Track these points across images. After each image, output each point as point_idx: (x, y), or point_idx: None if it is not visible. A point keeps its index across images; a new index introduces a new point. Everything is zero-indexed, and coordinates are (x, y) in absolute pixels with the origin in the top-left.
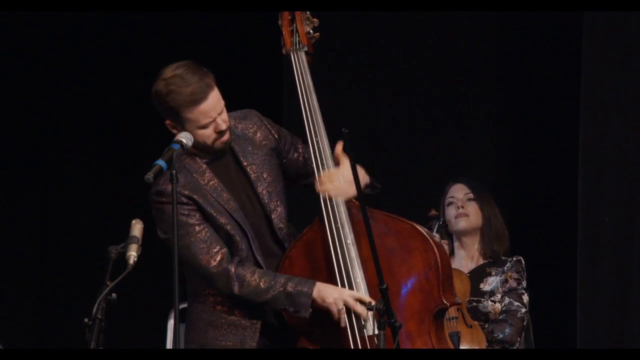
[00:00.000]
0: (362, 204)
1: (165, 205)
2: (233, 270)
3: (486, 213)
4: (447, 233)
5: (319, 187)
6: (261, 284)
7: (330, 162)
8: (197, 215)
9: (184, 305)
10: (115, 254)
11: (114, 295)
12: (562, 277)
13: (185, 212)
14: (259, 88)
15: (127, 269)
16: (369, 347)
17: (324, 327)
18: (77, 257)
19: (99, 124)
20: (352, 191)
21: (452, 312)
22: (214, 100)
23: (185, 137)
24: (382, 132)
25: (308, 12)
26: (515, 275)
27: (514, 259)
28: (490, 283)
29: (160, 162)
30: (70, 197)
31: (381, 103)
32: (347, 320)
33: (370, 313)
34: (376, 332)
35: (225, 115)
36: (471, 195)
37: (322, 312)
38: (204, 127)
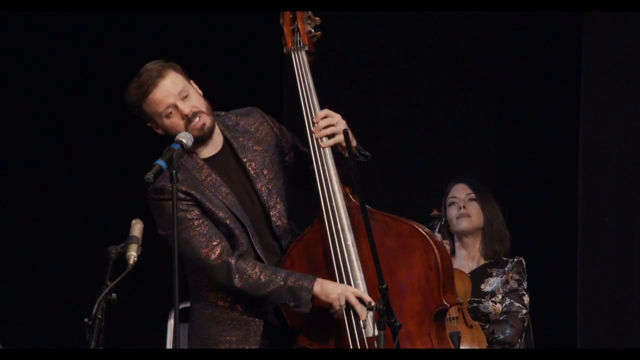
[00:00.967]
0: (362, 204)
1: (164, 202)
2: (234, 262)
3: (488, 213)
4: (448, 233)
5: (315, 134)
6: (262, 277)
7: (330, 161)
8: (196, 210)
9: (185, 304)
10: (115, 254)
11: (114, 295)
12: (562, 277)
13: (184, 208)
14: (259, 88)
15: (127, 269)
16: (368, 348)
17: (324, 327)
18: (77, 257)
19: (99, 124)
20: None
21: (452, 312)
22: (167, 87)
23: (185, 137)
24: (382, 132)
25: (309, 11)
26: (516, 276)
27: (515, 259)
28: (491, 284)
29: (160, 162)
30: (70, 197)
31: (381, 103)
32: (347, 320)
33: (370, 314)
34: (376, 332)
35: (192, 100)
36: (473, 196)
37: (322, 312)
38: (167, 116)
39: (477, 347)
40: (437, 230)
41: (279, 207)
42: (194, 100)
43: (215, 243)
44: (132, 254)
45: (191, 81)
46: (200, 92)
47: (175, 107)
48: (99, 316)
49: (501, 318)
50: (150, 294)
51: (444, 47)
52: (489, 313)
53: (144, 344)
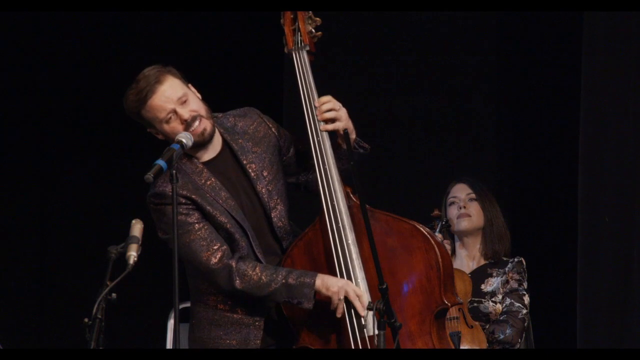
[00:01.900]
0: (362, 204)
1: (164, 207)
2: (234, 265)
3: (488, 213)
4: (449, 233)
5: (319, 116)
6: (263, 277)
7: (331, 160)
8: (196, 214)
9: (185, 305)
10: (115, 254)
11: (114, 295)
12: (562, 277)
13: (184, 212)
14: (259, 88)
15: (127, 269)
16: (369, 347)
17: (324, 327)
18: (77, 257)
19: (99, 124)
20: (349, 123)
21: (453, 312)
22: (166, 93)
23: (185, 137)
24: (382, 132)
25: (310, 11)
26: (516, 276)
27: (515, 259)
28: (491, 284)
29: (160, 162)
30: (70, 197)
31: (381, 103)
32: (348, 319)
33: (369, 313)
34: (376, 332)
35: (192, 105)
36: (473, 196)
37: (323, 311)
38: (167, 121)
39: (477, 348)
40: (438, 230)
41: (279, 208)
42: (193, 104)
43: (215, 247)
44: (132, 254)
45: (189, 85)
46: (199, 95)
47: (175, 112)
48: (99, 316)
49: (501, 318)
50: (150, 294)
51: (444, 47)
52: (489, 313)
53: (144, 344)
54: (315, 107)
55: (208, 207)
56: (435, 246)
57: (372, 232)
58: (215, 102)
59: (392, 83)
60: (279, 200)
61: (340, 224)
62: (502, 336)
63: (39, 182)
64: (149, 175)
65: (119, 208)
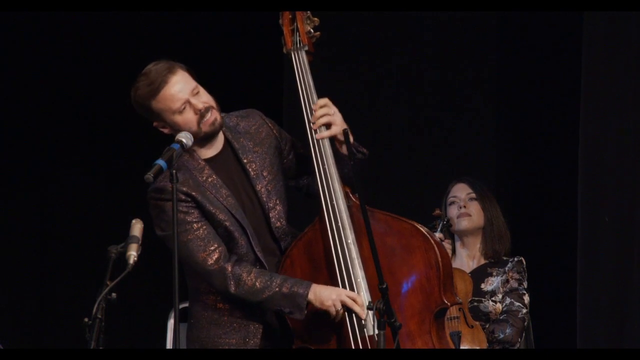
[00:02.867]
0: (362, 203)
1: (164, 203)
2: (230, 269)
3: (488, 213)
4: (449, 232)
5: (313, 125)
6: (257, 283)
7: (330, 160)
8: (195, 213)
9: (184, 305)
10: (115, 254)
11: (114, 295)
12: (562, 277)
13: (184, 210)
14: (259, 88)
15: (127, 268)
16: (369, 347)
17: (324, 327)
18: (77, 257)
19: (99, 124)
20: (345, 126)
21: (453, 311)
22: (179, 83)
23: (185, 137)
24: (382, 132)
25: (309, 12)
26: (516, 276)
27: (515, 259)
28: (491, 283)
29: (160, 162)
30: (70, 197)
31: (381, 103)
32: (347, 319)
33: (369, 312)
34: (376, 332)
35: (203, 96)
36: (473, 195)
37: (322, 311)
38: (180, 111)
39: (477, 347)
40: (439, 229)
41: (278, 208)
42: (205, 96)
43: (212, 248)
44: (132, 254)
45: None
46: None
47: (189, 102)
48: (99, 316)
49: (501, 317)
50: (150, 294)
51: (444, 47)
52: (489, 312)
53: (144, 344)
54: (312, 108)
55: (208, 205)
56: (435, 246)
57: (372, 232)
58: None
59: (392, 83)
60: (277, 201)
61: (340, 224)
62: (502, 335)
63: (39, 182)
64: (149, 175)
65: (119, 208)
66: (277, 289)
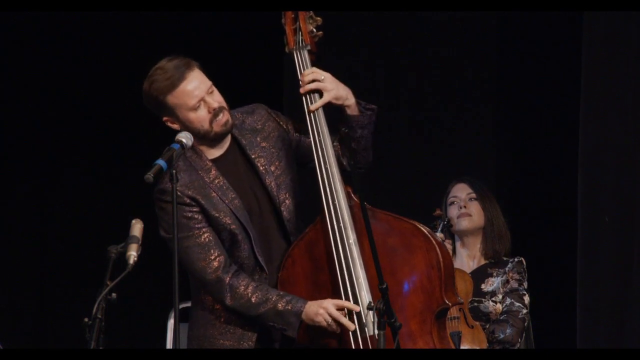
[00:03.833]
0: (362, 204)
1: (168, 204)
2: (227, 280)
3: (488, 213)
4: (450, 233)
5: (301, 89)
6: (252, 298)
7: (332, 159)
8: (199, 218)
9: (185, 305)
10: (115, 254)
11: (114, 295)
12: (562, 277)
13: (188, 215)
14: (259, 88)
15: (127, 268)
16: (369, 347)
17: (323, 328)
18: (77, 257)
19: (98, 124)
20: (339, 91)
21: (453, 312)
22: (196, 80)
23: (185, 137)
24: (382, 132)
25: (311, 11)
26: (516, 276)
27: (515, 259)
28: (492, 283)
29: (160, 162)
30: (70, 197)
31: (382, 103)
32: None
33: (370, 312)
34: (376, 332)
35: (217, 95)
36: (474, 195)
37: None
38: (194, 108)
39: (477, 348)
40: (440, 229)
41: (287, 202)
42: (218, 95)
43: (212, 257)
44: (132, 254)
45: None
46: None
47: (204, 100)
48: (99, 316)
49: (501, 318)
50: (150, 294)
51: (444, 47)
52: (489, 313)
53: (144, 344)
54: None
55: (212, 210)
56: (436, 246)
57: (373, 232)
58: None
59: (392, 83)
60: (287, 195)
61: (342, 224)
62: (502, 336)
63: (39, 182)
64: (149, 175)
65: (119, 208)
66: (271, 306)
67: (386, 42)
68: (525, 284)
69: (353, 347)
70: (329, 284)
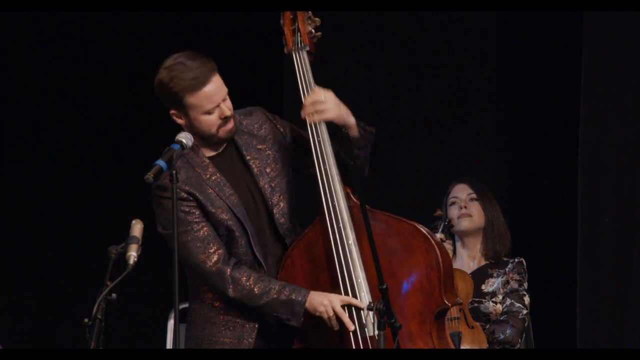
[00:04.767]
0: (362, 204)
1: (166, 201)
2: (229, 272)
3: (489, 213)
4: (450, 233)
5: (303, 114)
6: (255, 289)
7: (331, 160)
8: (197, 212)
9: (184, 305)
10: (115, 254)
11: (114, 295)
12: (562, 277)
13: (186, 209)
14: (259, 88)
15: (127, 269)
16: (369, 348)
17: (323, 327)
18: (77, 257)
19: (98, 124)
20: (341, 111)
21: (453, 312)
22: (217, 85)
23: (185, 138)
24: (382, 132)
25: (310, 12)
26: (516, 277)
27: (516, 260)
28: (492, 284)
29: (160, 163)
30: (70, 197)
31: (382, 103)
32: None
33: (370, 313)
34: (376, 332)
35: (229, 102)
36: (474, 196)
37: (318, 318)
38: (209, 112)
39: (477, 348)
40: (440, 230)
41: (281, 205)
42: (230, 103)
43: (212, 250)
44: (132, 254)
45: None
46: None
47: (219, 106)
48: (99, 316)
49: (501, 318)
50: (150, 294)
51: (444, 47)
52: (489, 313)
53: (144, 344)
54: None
55: (209, 205)
56: (436, 246)
57: (372, 233)
58: None
59: (392, 83)
60: (281, 197)
61: (341, 224)
62: (502, 336)
63: (39, 182)
64: (149, 176)
65: (119, 208)
66: (275, 296)
67: (386, 42)
68: (526, 285)
69: (353, 347)
70: (328, 285)
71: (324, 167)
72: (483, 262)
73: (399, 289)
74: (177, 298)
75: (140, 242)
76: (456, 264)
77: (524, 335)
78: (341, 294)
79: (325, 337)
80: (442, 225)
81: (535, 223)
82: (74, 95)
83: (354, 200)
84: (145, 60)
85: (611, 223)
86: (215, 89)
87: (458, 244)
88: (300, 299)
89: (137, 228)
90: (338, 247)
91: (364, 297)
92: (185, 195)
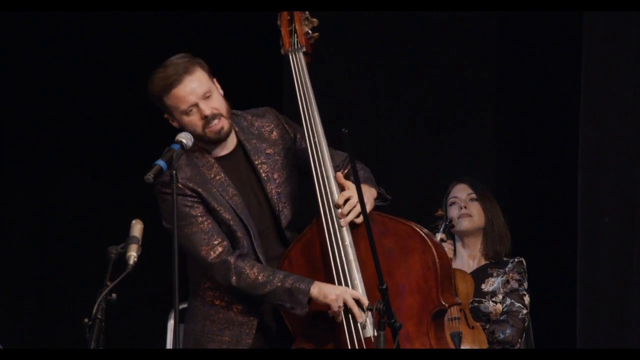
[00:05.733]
0: (362, 204)
1: (169, 196)
2: (232, 262)
3: (489, 213)
4: (450, 233)
5: (343, 222)
6: (259, 277)
7: (328, 162)
8: (200, 208)
9: (184, 305)
10: (115, 254)
11: (114, 295)
12: (562, 277)
13: (189, 204)
14: (259, 88)
15: (127, 269)
16: (366, 349)
17: (322, 328)
18: (77, 257)
19: (99, 124)
20: (370, 197)
21: (454, 312)
22: (192, 85)
23: (185, 138)
24: (382, 132)
25: (307, 12)
26: (516, 276)
27: (516, 260)
28: (492, 284)
29: (160, 163)
30: (70, 197)
31: (381, 103)
32: (345, 321)
33: (368, 314)
34: (375, 333)
35: (214, 102)
36: (474, 196)
37: (321, 312)
38: (186, 113)
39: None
40: (441, 230)
41: (286, 211)
42: (216, 101)
43: (216, 242)
44: (132, 254)
45: (214, 79)
46: (221, 91)
47: (197, 106)
48: (99, 316)
49: (501, 318)
50: (150, 294)
51: (444, 47)
52: (489, 313)
53: (144, 344)
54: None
55: (213, 202)
56: (433, 247)
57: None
58: None
59: (392, 83)
60: (287, 204)
61: (337, 226)
62: (502, 336)
63: (39, 182)
64: (149, 176)
65: (119, 208)
66: (279, 284)
67: (386, 42)
68: (526, 284)
69: (350, 348)
70: None
71: (320, 169)
72: (483, 262)
73: (395, 290)
74: (177, 298)
75: (140, 242)
76: (456, 264)
77: (524, 335)
78: None
79: (323, 338)
80: (443, 225)
81: (535, 223)
82: (74, 95)
83: None
84: (145, 60)
85: (611, 223)
86: (188, 88)
87: (458, 244)
88: (304, 287)
89: (137, 228)
90: (334, 248)
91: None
92: (188, 192)
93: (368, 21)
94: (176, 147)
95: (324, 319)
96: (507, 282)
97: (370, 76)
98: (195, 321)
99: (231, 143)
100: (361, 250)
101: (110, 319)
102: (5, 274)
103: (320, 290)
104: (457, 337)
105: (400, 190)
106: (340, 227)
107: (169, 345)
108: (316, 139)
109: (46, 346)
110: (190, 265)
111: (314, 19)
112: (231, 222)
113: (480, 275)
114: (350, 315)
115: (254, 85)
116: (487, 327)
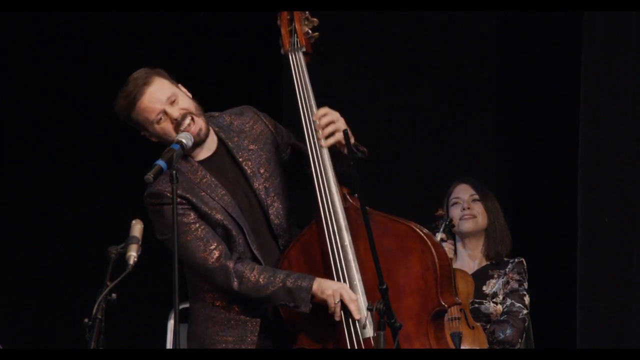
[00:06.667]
0: (362, 204)
1: (161, 207)
2: (232, 266)
3: (491, 214)
4: (450, 233)
5: (319, 132)
6: (260, 279)
7: (327, 162)
8: (192, 214)
9: (185, 305)
10: (115, 254)
11: (114, 295)
12: (562, 277)
13: (180, 212)
14: (259, 88)
15: (127, 269)
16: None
17: (322, 328)
18: (77, 257)
19: (99, 124)
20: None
21: (454, 312)
22: (155, 94)
23: (185, 137)
24: (382, 132)
25: (307, 12)
26: (516, 277)
27: (516, 260)
28: (493, 285)
29: (160, 163)
30: (70, 197)
31: (382, 104)
32: (344, 321)
33: (368, 314)
34: (374, 334)
35: (180, 104)
36: (476, 196)
37: (320, 312)
38: (157, 122)
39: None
40: (442, 229)
41: (276, 205)
42: (183, 103)
43: (212, 247)
44: (132, 254)
45: (179, 85)
46: (189, 94)
47: (165, 112)
48: (99, 316)
49: (502, 318)
50: (150, 294)
51: (444, 47)
52: (490, 314)
53: (144, 344)
54: (313, 120)
55: (203, 207)
56: (432, 247)
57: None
58: (215, 103)
59: (392, 83)
60: (275, 198)
61: (337, 226)
62: (502, 336)
63: (39, 182)
64: (149, 176)
65: (119, 208)
66: (280, 284)
67: (386, 42)
68: (526, 285)
69: (349, 348)
70: None
71: (319, 168)
72: (484, 263)
73: (395, 290)
74: (177, 298)
75: (140, 242)
76: (457, 264)
77: (524, 335)
78: None
79: (323, 338)
80: (443, 225)
81: (535, 223)
82: (74, 95)
83: (351, 201)
84: (145, 60)
85: (611, 223)
86: (152, 98)
87: (459, 244)
88: (305, 284)
89: (137, 228)
90: (334, 248)
91: (360, 300)
92: (178, 200)
93: (368, 21)
94: (176, 147)
95: (324, 319)
96: (507, 282)
97: (370, 76)
98: (198, 324)
99: (212, 144)
100: (360, 250)
101: (110, 319)
102: (5, 274)
103: (319, 285)
104: (457, 337)
105: (400, 190)
106: (339, 227)
107: (169, 345)
108: (315, 140)
109: (46, 346)
110: (187, 269)
111: (314, 19)
112: (224, 222)
113: (481, 276)
114: (349, 316)
115: (254, 85)
116: (488, 327)
